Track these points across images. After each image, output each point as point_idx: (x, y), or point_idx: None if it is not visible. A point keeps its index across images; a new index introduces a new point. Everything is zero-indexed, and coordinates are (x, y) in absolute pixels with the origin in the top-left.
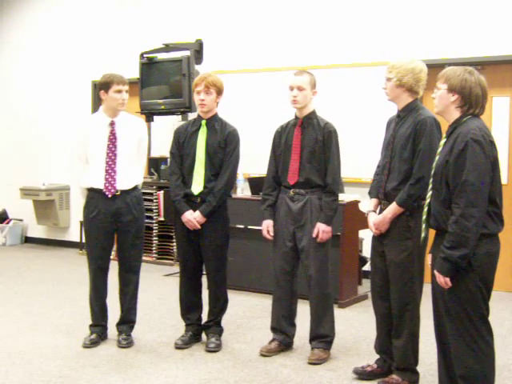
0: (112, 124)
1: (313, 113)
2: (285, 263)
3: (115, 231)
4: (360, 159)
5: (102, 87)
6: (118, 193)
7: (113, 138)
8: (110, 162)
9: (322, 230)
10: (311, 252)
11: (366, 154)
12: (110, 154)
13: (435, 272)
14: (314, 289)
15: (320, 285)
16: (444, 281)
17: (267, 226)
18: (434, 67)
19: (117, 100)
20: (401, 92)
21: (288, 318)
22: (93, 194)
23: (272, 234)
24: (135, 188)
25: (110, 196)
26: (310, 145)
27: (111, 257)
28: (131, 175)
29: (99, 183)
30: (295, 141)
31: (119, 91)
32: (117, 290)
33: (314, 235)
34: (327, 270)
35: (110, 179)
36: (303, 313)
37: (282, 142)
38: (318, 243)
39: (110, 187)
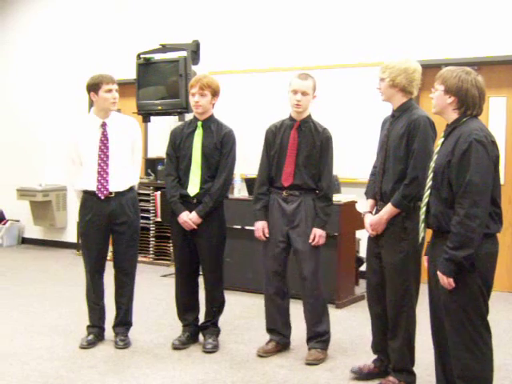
0: (103, 125)
1: (309, 116)
2: (277, 264)
3: (111, 233)
4: (357, 159)
5: (91, 89)
6: (112, 194)
7: (104, 140)
8: (102, 164)
9: (318, 234)
10: (306, 253)
11: (363, 154)
12: (102, 156)
13: (438, 273)
14: (308, 290)
15: (314, 285)
16: (448, 282)
17: (262, 227)
18: (431, 67)
19: (108, 100)
20: (394, 92)
21: (282, 317)
22: (87, 197)
23: (267, 235)
24: (130, 189)
25: (102, 198)
26: (307, 149)
27: (107, 258)
28: (125, 176)
29: (92, 185)
30: (291, 144)
31: (109, 90)
32: (113, 291)
33: (310, 240)
34: (320, 271)
35: (102, 181)
36: (299, 313)
37: (276, 142)
38: (313, 245)
39: (102, 189)
